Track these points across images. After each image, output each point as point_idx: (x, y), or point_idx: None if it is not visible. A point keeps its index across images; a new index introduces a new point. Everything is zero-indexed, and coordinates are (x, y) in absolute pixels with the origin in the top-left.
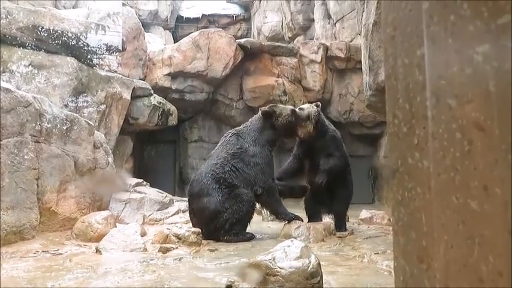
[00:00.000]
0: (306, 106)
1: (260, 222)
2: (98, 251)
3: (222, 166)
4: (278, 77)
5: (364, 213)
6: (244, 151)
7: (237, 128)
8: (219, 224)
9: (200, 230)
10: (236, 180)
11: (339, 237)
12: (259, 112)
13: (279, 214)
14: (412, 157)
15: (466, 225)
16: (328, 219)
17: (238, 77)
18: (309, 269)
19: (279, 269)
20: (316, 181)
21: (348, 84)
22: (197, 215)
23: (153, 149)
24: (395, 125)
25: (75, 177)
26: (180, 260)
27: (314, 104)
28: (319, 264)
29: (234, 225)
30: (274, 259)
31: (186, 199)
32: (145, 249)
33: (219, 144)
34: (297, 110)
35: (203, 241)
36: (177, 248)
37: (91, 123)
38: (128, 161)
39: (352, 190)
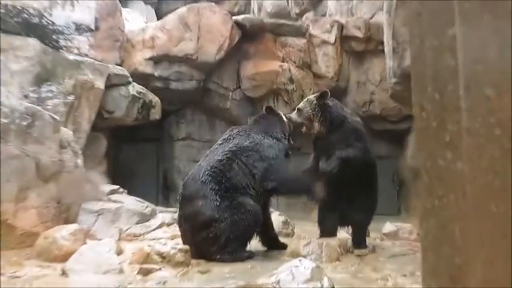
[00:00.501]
0: (302, 105)
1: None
2: (64, 273)
3: (228, 162)
4: (283, 62)
5: (388, 227)
6: (259, 143)
7: (242, 126)
8: (212, 236)
9: (188, 249)
10: (243, 180)
11: (357, 255)
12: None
13: (309, 194)
14: (443, 158)
15: (508, 238)
16: (344, 234)
17: (235, 62)
18: None
19: None
20: (323, 168)
21: (368, 69)
22: (187, 222)
23: (131, 148)
24: (423, 118)
25: (37, 183)
26: (164, 283)
27: (315, 95)
28: None
29: (231, 241)
30: (278, 282)
31: (171, 210)
32: (121, 271)
33: (221, 140)
34: (291, 116)
35: (192, 261)
36: (160, 269)
37: (57, 117)
38: (101, 163)
39: (376, 198)
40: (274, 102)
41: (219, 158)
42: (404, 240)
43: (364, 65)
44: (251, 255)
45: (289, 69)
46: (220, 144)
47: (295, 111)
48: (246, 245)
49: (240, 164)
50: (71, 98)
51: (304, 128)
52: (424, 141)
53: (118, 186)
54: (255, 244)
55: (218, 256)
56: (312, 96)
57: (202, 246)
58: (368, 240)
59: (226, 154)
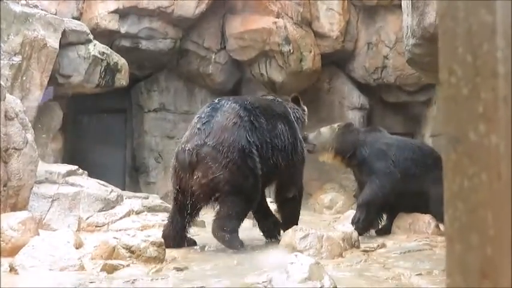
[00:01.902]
0: (324, 130)
1: (250, 229)
2: (12, 269)
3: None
4: (278, 17)
5: (402, 217)
6: (297, 140)
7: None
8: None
9: (163, 241)
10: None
11: (364, 251)
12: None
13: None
14: (475, 131)
15: None
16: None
17: (219, 17)
18: None
19: None
20: (352, 220)
21: (381, 28)
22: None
23: (92, 121)
24: (452, 85)
25: None
26: (133, 283)
27: (338, 125)
28: None
29: (233, 216)
30: (270, 281)
31: (141, 195)
32: (82, 267)
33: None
34: (309, 135)
35: (167, 256)
36: (128, 265)
37: (2, 83)
38: (56, 138)
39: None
40: (266, 67)
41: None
42: (420, 233)
43: (375, 23)
44: (242, 245)
45: (285, 27)
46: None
47: (316, 132)
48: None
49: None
50: (17, 58)
51: (313, 148)
52: (452, 112)
53: (76, 167)
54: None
55: (218, 233)
56: (335, 125)
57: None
58: (377, 233)
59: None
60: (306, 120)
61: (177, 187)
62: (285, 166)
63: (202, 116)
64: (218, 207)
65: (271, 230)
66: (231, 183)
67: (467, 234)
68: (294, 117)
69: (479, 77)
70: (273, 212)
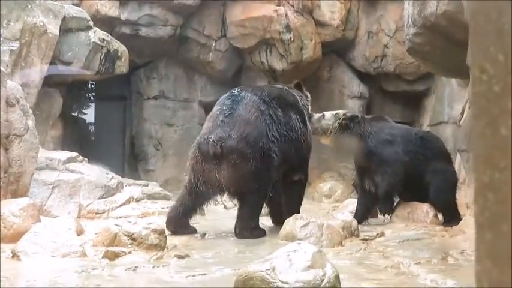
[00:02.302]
0: (329, 115)
1: None
2: (15, 255)
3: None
4: (279, 5)
5: (400, 206)
6: (306, 128)
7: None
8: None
9: (164, 229)
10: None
11: (363, 239)
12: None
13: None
14: (506, 126)
15: None
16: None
17: (220, 4)
18: (324, 283)
19: (280, 284)
20: (380, 211)
21: (381, 17)
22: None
23: (92, 108)
24: (484, 82)
25: None
26: (134, 270)
27: (344, 112)
28: (337, 277)
29: (255, 213)
30: (273, 269)
31: (141, 182)
32: (83, 254)
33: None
34: (314, 116)
35: (168, 243)
36: (130, 252)
37: (2, 69)
38: (55, 125)
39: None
40: (266, 55)
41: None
42: (419, 222)
43: (376, 12)
44: (265, 233)
45: (286, 15)
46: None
47: (320, 115)
48: None
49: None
50: (16, 45)
51: (314, 131)
52: (483, 108)
53: (76, 154)
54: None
55: (245, 232)
56: (341, 113)
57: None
58: (375, 222)
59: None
60: (310, 106)
61: (199, 176)
62: (295, 155)
63: (224, 108)
64: (239, 203)
65: (280, 217)
66: (255, 181)
67: (498, 223)
68: (301, 105)
69: (510, 75)
70: None
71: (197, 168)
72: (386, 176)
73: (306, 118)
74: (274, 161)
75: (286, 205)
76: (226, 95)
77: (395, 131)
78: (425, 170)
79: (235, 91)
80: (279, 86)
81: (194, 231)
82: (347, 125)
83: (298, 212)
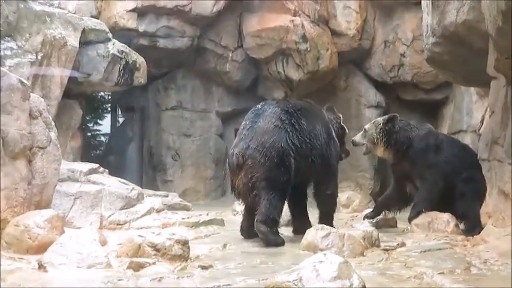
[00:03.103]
0: (368, 126)
1: None
2: (41, 266)
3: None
4: (295, 16)
5: (420, 216)
6: (332, 140)
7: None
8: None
9: (187, 240)
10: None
11: (384, 250)
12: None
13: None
14: None
15: None
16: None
17: (236, 16)
18: None
19: None
20: (409, 217)
21: (398, 26)
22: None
23: (111, 119)
24: None
25: (4, 161)
26: (160, 280)
27: (383, 118)
28: (364, 287)
29: (270, 211)
30: (301, 280)
31: (161, 193)
32: (109, 265)
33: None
34: (356, 138)
35: (191, 254)
36: (154, 263)
37: (25, 81)
38: (75, 137)
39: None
40: (283, 65)
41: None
42: (440, 232)
43: (393, 21)
44: (283, 243)
45: (302, 25)
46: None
47: (362, 132)
48: None
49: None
50: (38, 57)
51: (365, 149)
52: None
53: (97, 165)
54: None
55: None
56: (380, 119)
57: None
58: (394, 231)
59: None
60: (345, 126)
61: (232, 186)
62: (321, 164)
63: (247, 122)
64: (258, 205)
65: (302, 227)
66: (267, 180)
67: None
68: (328, 119)
69: None
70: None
71: (229, 179)
72: (426, 184)
73: (334, 134)
74: (290, 166)
75: (321, 217)
76: (251, 110)
77: (442, 137)
78: (458, 179)
79: (259, 105)
80: (308, 101)
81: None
82: (392, 128)
83: (331, 226)
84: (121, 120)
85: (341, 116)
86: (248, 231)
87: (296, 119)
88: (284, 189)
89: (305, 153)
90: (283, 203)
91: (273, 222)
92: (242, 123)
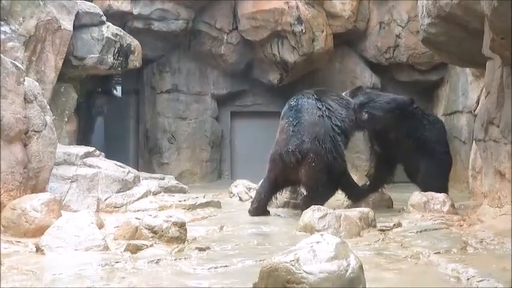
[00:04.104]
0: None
1: None
2: (39, 249)
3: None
4: None
5: (416, 197)
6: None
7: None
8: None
9: (184, 222)
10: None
11: (380, 230)
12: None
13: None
14: None
15: None
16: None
17: None
18: (348, 274)
19: (305, 275)
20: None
21: (393, 8)
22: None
23: (106, 103)
24: None
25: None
26: (157, 262)
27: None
28: (361, 267)
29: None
30: (298, 261)
31: (157, 176)
32: (106, 248)
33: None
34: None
35: (188, 235)
36: (151, 245)
37: (20, 65)
38: (71, 120)
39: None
40: (278, 47)
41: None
42: (436, 212)
43: (388, 2)
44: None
45: (297, 7)
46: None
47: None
48: None
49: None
50: (32, 41)
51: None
52: None
53: (93, 148)
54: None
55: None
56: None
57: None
58: (391, 213)
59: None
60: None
61: (284, 177)
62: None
63: (291, 119)
64: (309, 192)
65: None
66: (329, 173)
67: None
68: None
69: None
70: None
71: (281, 172)
72: (433, 174)
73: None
74: (342, 149)
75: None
76: (287, 107)
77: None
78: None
79: (293, 102)
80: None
81: (269, 213)
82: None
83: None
84: (116, 104)
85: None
86: (261, 210)
87: (327, 104)
88: (340, 176)
89: (344, 131)
90: (332, 193)
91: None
92: (284, 121)
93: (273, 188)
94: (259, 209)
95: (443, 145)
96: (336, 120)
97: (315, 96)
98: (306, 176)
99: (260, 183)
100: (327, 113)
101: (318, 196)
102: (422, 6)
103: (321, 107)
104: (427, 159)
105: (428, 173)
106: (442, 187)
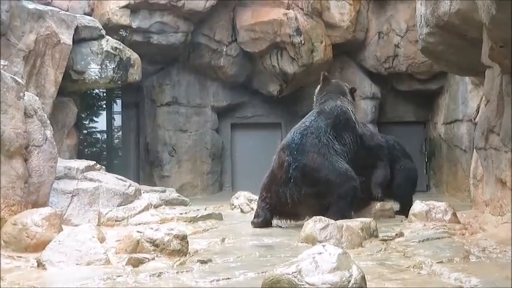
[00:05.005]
0: None
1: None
2: (40, 264)
3: None
4: (288, 9)
5: (418, 206)
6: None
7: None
8: None
9: (185, 235)
10: None
11: (382, 240)
12: None
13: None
14: None
15: None
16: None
17: (230, 10)
18: (351, 284)
19: (307, 286)
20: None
21: (391, 17)
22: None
23: (106, 116)
24: None
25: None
26: (159, 276)
27: None
28: (363, 278)
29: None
30: (300, 272)
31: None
32: (107, 262)
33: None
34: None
35: (189, 248)
36: (153, 259)
37: (19, 80)
38: (71, 134)
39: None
40: (277, 58)
41: None
42: (438, 221)
43: (386, 12)
44: None
45: (296, 18)
46: None
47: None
48: None
49: None
50: (31, 55)
51: None
52: None
53: (94, 162)
54: (258, 230)
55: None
56: None
57: None
58: (394, 222)
59: None
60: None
61: (278, 207)
62: None
63: (291, 158)
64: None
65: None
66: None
67: None
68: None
69: None
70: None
71: (276, 204)
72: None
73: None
74: (353, 175)
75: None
76: (290, 139)
77: None
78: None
79: (296, 137)
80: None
81: (271, 224)
82: None
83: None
84: (117, 117)
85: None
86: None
87: (332, 140)
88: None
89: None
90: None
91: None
92: (284, 155)
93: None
94: (264, 223)
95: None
96: (340, 146)
97: (323, 129)
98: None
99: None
100: (331, 152)
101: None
102: (421, 15)
103: (325, 143)
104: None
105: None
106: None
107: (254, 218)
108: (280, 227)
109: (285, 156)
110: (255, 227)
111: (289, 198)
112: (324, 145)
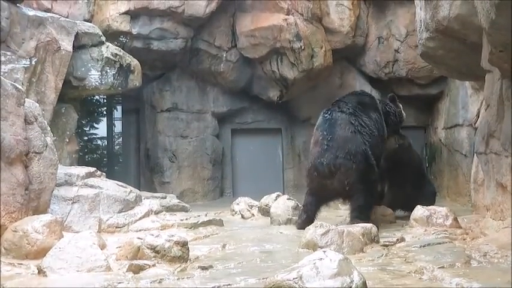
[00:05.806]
0: None
1: (268, 227)
2: (41, 271)
3: None
4: (288, 14)
5: (419, 211)
6: (382, 126)
7: None
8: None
9: (186, 241)
10: None
11: (383, 245)
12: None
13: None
14: None
15: None
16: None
17: (229, 16)
18: None
19: None
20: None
21: (391, 22)
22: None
23: (106, 123)
24: None
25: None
26: (160, 282)
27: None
28: (364, 283)
29: (364, 206)
30: (301, 278)
31: (158, 195)
32: (108, 268)
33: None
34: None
35: (190, 255)
36: (154, 265)
37: (20, 87)
38: (71, 141)
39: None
40: (277, 64)
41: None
42: (439, 226)
43: (386, 17)
44: None
45: (296, 24)
46: None
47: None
48: None
49: None
50: (32, 62)
51: None
52: None
53: (95, 169)
54: (260, 235)
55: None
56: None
57: None
58: (395, 227)
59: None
60: (403, 116)
61: (320, 187)
62: (377, 147)
63: (325, 132)
64: (351, 202)
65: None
66: (362, 184)
67: None
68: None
69: None
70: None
71: (318, 183)
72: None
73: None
74: (372, 161)
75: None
76: (321, 120)
77: None
78: None
79: (327, 114)
80: (360, 92)
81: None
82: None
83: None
84: (117, 123)
85: (401, 106)
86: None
87: (359, 117)
88: (374, 186)
89: (373, 143)
90: (374, 198)
91: (366, 218)
92: (318, 133)
93: (316, 199)
94: (307, 221)
95: None
96: (366, 135)
97: (349, 108)
98: (342, 187)
99: (304, 198)
100: (358, 128)
101: (364, 206)
102: (420, 20)
103: (353, 121)
104: None
105: None
106: None
107: (298, 218)
108: (281, 232)
109: (319, 131)
110: (298, 228)
111: (327, 168)
112: (353, 123)
